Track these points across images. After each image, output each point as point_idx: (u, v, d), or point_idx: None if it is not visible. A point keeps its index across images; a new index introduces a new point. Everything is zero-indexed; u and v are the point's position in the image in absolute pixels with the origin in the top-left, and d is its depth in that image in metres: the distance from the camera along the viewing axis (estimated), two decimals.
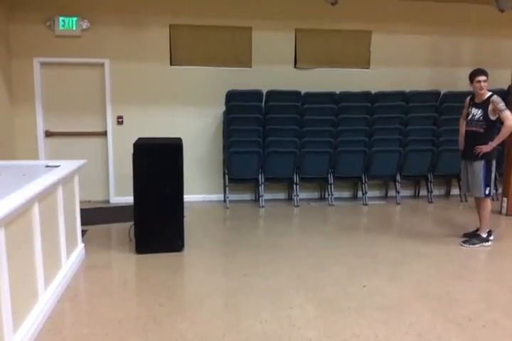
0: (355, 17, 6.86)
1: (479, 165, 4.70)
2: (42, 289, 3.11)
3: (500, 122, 4.65)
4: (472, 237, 4.84)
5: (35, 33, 6.23)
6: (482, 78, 4.66)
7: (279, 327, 3.05)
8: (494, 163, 4.74)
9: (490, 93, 4.71)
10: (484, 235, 4.81)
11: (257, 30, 6.71)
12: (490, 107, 4.63)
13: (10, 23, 6.14)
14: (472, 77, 4.73)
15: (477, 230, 4.90)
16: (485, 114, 4.66)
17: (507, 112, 4.57)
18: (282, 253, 4.51)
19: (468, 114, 4.85)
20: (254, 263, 4.24)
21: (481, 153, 4.66)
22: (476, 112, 4.74)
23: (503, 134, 4.62)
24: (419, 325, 3.09)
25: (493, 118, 4.64)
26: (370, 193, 6.73)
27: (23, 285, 2.80)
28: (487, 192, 4.72)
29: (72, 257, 3.99)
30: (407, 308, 3.34)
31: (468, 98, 4.97)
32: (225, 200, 6.56)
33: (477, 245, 4.75)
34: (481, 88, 4.67)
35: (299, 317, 3.19)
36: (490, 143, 4.63)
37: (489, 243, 4.80)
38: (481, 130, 4.69)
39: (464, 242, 4.80)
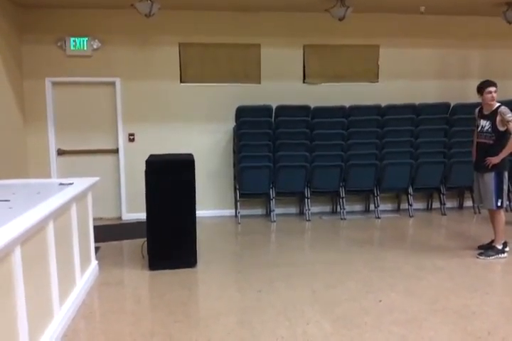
0: (363, 32, 6.91)
1: (490, 177, 4.67)
2: (57, 307, 3.11)
3: (509, 133, 4.62)
4: (487, 249, 4.78)
5: (47, 54, 6.33)
6: (493, 89, 4.66)
7: None
8: (506, 174, 4.70)
9: (498, 104, 4.69)
10: (500, 247, 4.75)
11: (265, 47, 6.78)
12: (498, 118, 4.61)
13: (22, 44, 6.26)
14: (482, 88, 4.72)
15: (492, 242, 4.84)
16: (493, 126, 4.64)
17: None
18: (296, 269, 4.48)
19: (477, 126, 4.83)
20: (268, 278, 4.21)
21: (490, 165, 4.63)
22: (485, 124, 4.72)
23: (510, 146, 4.58)
24: (438, 340, 3.04)
25: (502, 129, 4.61)
26: (382, 206, 6.69)
27: (38, 302, 2.80)
28: (499, 204, 4.67)
29: (86, 274, 3.99)
30: (425, 322, 3.29)
31: (476, 110, 4.95)
32: (236, 215, 6.55)
33: (493, 257, 4.69)
34: (493, 99, 4.66)
35: (315, 333, 3.15)
36: (499, 154, 4.60)
37: (505, 254, 4.73)
38: (491, 141, 4.67)
39: (479, 254, 4.74)
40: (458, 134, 6.76)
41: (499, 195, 4.66)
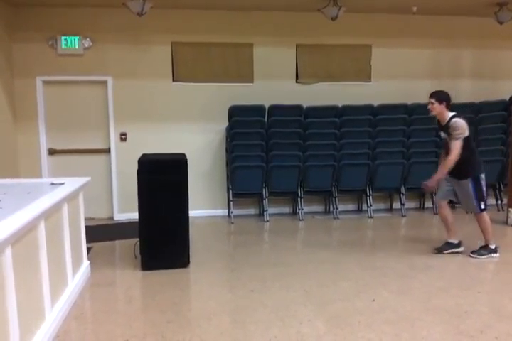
0: (355, 31, 6.92)
1: (467, 184, 4.65)
2: (49, 307, 3.08)
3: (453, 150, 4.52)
4: (480, 248, 4.80)
5: (38, 52, 6.29)
6: (429, 100, 4.66)
7: None
8: (482, 176, 4.65)
9: (452, 115, 4.61)
10: (493, 246, 4.77)
11: (258, 47, 6.77)
12: (449, 130, 4.56)
13: (12, 43, 6.21)
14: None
15: (484, 245, 4.85)
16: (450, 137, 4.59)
17: (457, 142, 4.49)
18: (289, 268, 4.48)
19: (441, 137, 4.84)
20: (261, 278, 4.20)
21: (432, 187, 4.72)
22: (444, 135, 4.71)
23: (445, 166, 4.56)
24: (431, 339, 3.05)
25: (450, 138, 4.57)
26: (374, 206, 6.70)
27: (30, 303, 2.77)
28: (482, 206, 4.67)
29: (78, 275, 3.96)
30: (418, 322, 3.30)
31: (437, 120, 4.83)
32: (229, 215, 6.54)
33: (485, 256, 4.72)
34: (429, 110, 4.68)
35: (308, 332, 3.14)
36: (433, 177, 4.62)
37: (497, 254, 4.76)
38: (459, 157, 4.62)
39: (472, 253, 4.76)
40: None
41: (479, 198, 4.65)
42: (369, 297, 3.74)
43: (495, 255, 4.75)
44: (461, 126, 4.51)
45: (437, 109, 4.63)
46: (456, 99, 6.99)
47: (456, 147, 4.49)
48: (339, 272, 4.35)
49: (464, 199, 4.78)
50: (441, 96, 4.64)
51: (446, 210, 4.87)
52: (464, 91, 7.28)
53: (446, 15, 7.04)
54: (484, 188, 4.70)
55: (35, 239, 2.92)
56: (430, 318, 3.35)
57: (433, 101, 4.64)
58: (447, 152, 4.64)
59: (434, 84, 7.20)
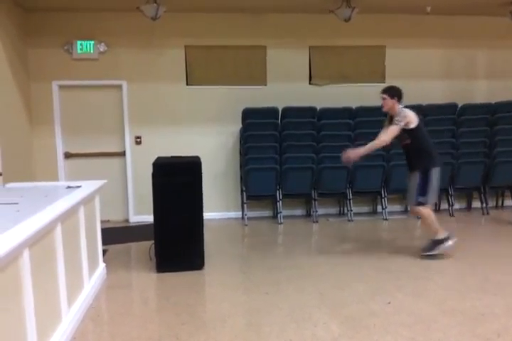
0: (369, 32, 6.90)
1: (415, 176, 4.62)
2: (65, 309, 3.12)
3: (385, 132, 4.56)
4: (429, 245, 4.70)
5: (54, 57, 6.38)
6: (381, 95, 4.66)
7: None
8: (434, 171, 4.57)
9: (401, 107, 4.60)
10: (441, 237, 4.65)
11: (271, 49, 6.79)
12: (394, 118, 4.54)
13: (29, 48, 6.30)
14: None
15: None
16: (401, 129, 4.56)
17: (394, 127, 4.47)
18: (303, 271, 4.47)
19: None
20: (275, 280, 4.20)
21: (351, 159, 4.68)
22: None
23: (372, 145, 4.57)
24: None
25: (410, 126, 4.52)
26: (389, 208, 6.66)
27: (47, 305, 2.81)
28: (419, 199, 4.59)
29: (94, 277, 4.00)
30: (434, 324, 3.27)
31: (388, 116, 4.80)
32: (243, 217, 6.56)
33: (436, 250, 4.63)
34: (382, 106, 4.68)
35: (323, 335, 3.13)
36: (358, 150, 4.59)
37: (450, 242, 4.64)
38: (408, 141, 4.62)
39: (423, 251, 4.69)
40: (465, 135, 6.73)
41: (422, 192, 4.58)
42: (384, 299, 3.72)
43: (448, 243, 4.63)
44: (406, 114, 4.50)
45: (389, 103, 4.63)
46: (471, 99, 7.01)
47: (389, 131, 4.49)
48: (354, 274, 4.33)
49: (408, 191, 4.73)
50: (392, 92, 4.65)
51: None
52: (479, 92, 7.22)
53: (460, 15, 6.99)
54: (434, 183, 4.59)
55: (52, 241, 2.96)
56: (446, 321, 3.32)
57: (385, 96, 4.64)
58: (406, 141, 4.61)
59: (449, 85, 7.18)
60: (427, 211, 4.66)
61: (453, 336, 3.09)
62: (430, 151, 4.66)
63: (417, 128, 4.57)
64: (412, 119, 4.53)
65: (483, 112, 6.95)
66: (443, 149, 6.61)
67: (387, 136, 4.53)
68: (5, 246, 2.17)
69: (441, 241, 4.67)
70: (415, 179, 4.64)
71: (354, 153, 4.62)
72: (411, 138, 4.59)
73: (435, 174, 4.59)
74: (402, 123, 4.48)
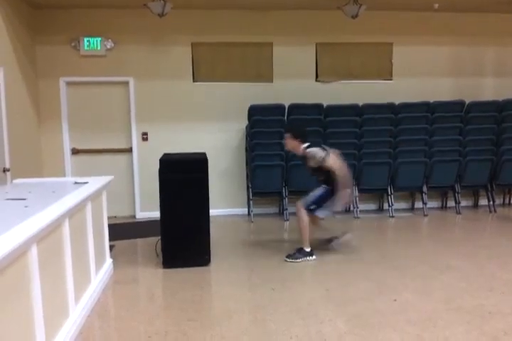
0: (376, 29, 6.87)
1: (325, 188, 4.64)
2: (72, 304, 3.14)
3: (332, 170, 4.52)
4: (296, 252, 4.71)
5: (61, 54, 6.40)
6: (285, 135, 4.70)
7: None
8: (343, 193, 4.57)
9: (304, 146, 4.60)
10: (307, 249, 4.69)
11: (278, 46, 6.78)
12: (310, 162, 4.60)
13: (36, 45, 6.33)
14: None
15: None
16: (309, 167, 4.65)
17: (329, 161, 4.49)
18: (309, 268, 4.47)
19: None
20: (282, 277, 4.21)
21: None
22: (303, 162, 4.75)
23: (341, 183, 4.50)
24: (453, 339, 3.01)
25: (316, 165, 4.58)
26: (396, 205, 6.65)
27: (54, 300, 2.83)
28: (311, 207, 4.63)
29: (101, 272, 4.02)
30: (440, 322, 3.26)
31: None
32: (249, 214, 6.56)
33: (300, 259, 4.64)
34: (285, 145, 4.73)
35: (329, 332, 3.14)
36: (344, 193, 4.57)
37: (313, 257, 4.67)
38: (321, 178, 4.66)
39: (287, 257, 4.69)
40: (473, 132, 6.70)
41: (318, 203, 4.63)
42: (390, 297, 3.72)
43: (310, 258, 4.66)
44: (315, 152, 4.54)
45: (291, 144, 4.70)
46: (478, 97, 6.97)
47: (333, 166, 4.48)
48: (360, 272, 4.33)
49: (309, 194, 4.72)
50: (296, 133, 4.68)
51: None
52: (487, 89, 7.19)
53: (468, 12, 6.95)
54: (336, 203, 4.62)
55: (59, 236, 2.98)
56: (452, 319, 3.31)
57: (288, 136, 4.69)
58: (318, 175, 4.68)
59: (457, 82, 7.15)
60: (306, 218, 4.68)
61: (459, 334, 3.08)
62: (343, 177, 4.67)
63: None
64: (322, 153, 4.57)
65: (490, 110, 6.91)
66: (450, 146, 6.61)
67: (336, 170, 4.50)
68: (13, 241, 2.18)
69: (305, 253, 4.68)
70: (322, 190, 4.67)
71: (345, 197, 4.63)
72: (321, 171, 4.61)
73: (343, 196, 4.60)
74: (325, 157, 4.51)
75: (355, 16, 6.18)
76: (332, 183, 4.56)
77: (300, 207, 4.70)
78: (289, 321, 3.31)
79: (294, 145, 4.68)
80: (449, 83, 7.15)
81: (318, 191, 4.70)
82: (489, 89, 7.20)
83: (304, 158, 4.67)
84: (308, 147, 4.60)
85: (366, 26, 6.76)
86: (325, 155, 4.53)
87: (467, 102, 6.91)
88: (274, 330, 3.17)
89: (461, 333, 3.09)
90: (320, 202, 4.66)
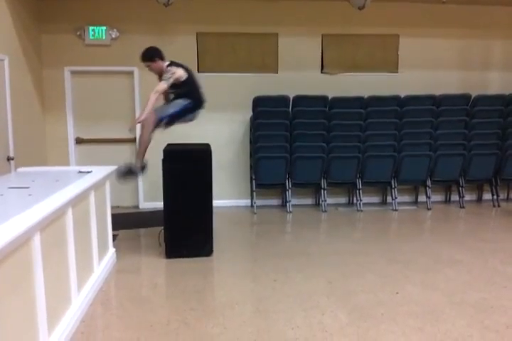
0: (383, 21, 6.81)
1: (180, 101, 4.48)
2: (75, 293, 3.15)
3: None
4: (129, 168, 4.44)
5: (66, 43, 6.37)
6: (144, 64, 4.47)
7: (311, 333, 3.01)
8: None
9: (167, 63, 4.44)
10: (138, 164, 4.47)
11: (283, 37, 6.72)
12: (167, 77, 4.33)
13: (41, 34, 6.30)
14: None
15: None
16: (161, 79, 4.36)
17: (162, 83, 4.28)
18: (312, 259, 4.47)
19: None
20: (284, 268, 4.21)
21: (138, 121, 4.37)
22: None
23: (147, 106, 4.28)
24: (455, 333, 3.01)
25: (180, 81, 4.39)
26: (399, 198, 6.63)
27: (57, 288, 2.84)
28: (165, 120, 4.42)
29: (104, 261, 4.03)
30: (442, 315, 3.26)
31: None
32: (252, 205, 6.57)
33: (128, 177, 4.42)
34: (153, 72, 4.50)
35: (331, 323, 3.14)
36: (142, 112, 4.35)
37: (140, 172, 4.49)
38: (181, 91, 4.47)
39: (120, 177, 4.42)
40: (478, 126, 6.66)
41: (173, 116, 4.47)
42: (393, 290, 3.72)
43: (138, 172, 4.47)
44: (174, 70, 4.34)
45: (157, 67, 4.43)
46: (485, 90, 6.92)
47: (158, 87, 4.28)
48: (363, 264, 4.33)
49: (162, 107, 4.55)
50: (152, 55, 4.44)
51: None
52: (493, 83, 7.13)
53: (476, 5, 6.87)
54: (183, 115, 4.51)
55: (62, 225, 2.98)
56: (455, 312, 3.31)
57: (148, 64, 4.45)
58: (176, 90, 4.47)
59: (463, 75, 7.09)
60: (151, 130, 4.41)
61: (461, 327, 3.09)
62: (198, 93, 4.58)
63: (188, 80, 4.46)
64: (180, 74, 4.38)
65: (496, 103, 6.86)
66: (455, 140, 6.57)
67: (155, 92, 4.28)
68: (16, 229, 2.19)
69: (134, 170, 4.43)
70: (184, 103, 4.48)
71: (141, 117, 4.35)
72: (183, 86, 4.45)
73: (191, 110, 4.52)
74: (172, 80, 4.31)
75: (361, 7, 6.13)
76: (192, 96, 4.46)
77: (152, 116, 4.37)
78: (291, 312, 3.32)
79: (159, 66, 4.43)
80: (455, 76, 7.09)
81: (179, 105, 4.49)
82: (496, 83, 7.14)
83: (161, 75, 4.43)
84: (170, 64, 4.44)
85: (373, 18, 6.70)
86: (181, 78, 4.39)
87: (473, 96, 6.85)
88: (276, 321, 3.18)
89: (463, 327, 3.09)
90: (175, 117, 4.50)
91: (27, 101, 5.87)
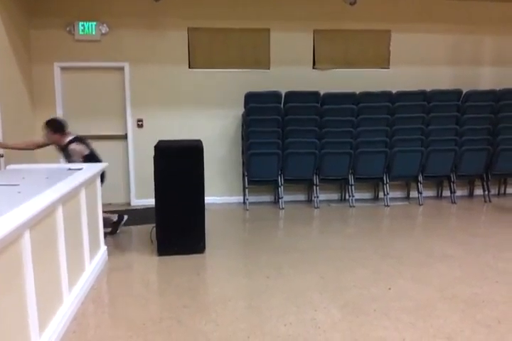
0: (374, 16, 6.81)
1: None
2: (66, 291, 3.13)
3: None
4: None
5: (56, 38, 6.30)
6: (45, 129, 4.77)
7: (304, 329, 3.01)
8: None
9: (69, 139, 4.79)
10: (115, 219, 5.19)
11: (275, 32, 6.70)
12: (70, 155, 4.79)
13: (30, 29, 6.23)
14: None
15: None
16: (71, 161, 4.78)
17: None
18: (304, 255, 4.47)
19: None
20: (277, 264, 4.21)
21: None
22: (64, 156, 4.92)
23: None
24: (447, 328, 3.02)
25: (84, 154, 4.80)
26: (391, 194, 6.66)
27: (48, 286, 2.81)
28: None
29: (95, 259, 4.01)
30: (434, 310, 3.27)
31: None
32: (244, 202, 6.55)
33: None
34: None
35: (323, 319, 3.14)
36: None
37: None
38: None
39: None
40: (469, 122, 6.69)
41: None
42: (385, 285, 3.73)
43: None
44: (78, 150, 4.75)
45: (53, 138, 4.81)
46: (476, 86, 6.94)
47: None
48: (355, 259, 4.33)
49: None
50: (55, 127, 4.79)
51: None
52: (485, 78, 7.16)
53: (468, 0, 6.88)
54: None
55: (53, 223, 2.95)
56: (447, 307, 3.33)
57: (48, 131, 4.78)
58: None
59: (455, 71, 7.11)
60: None
61: (454, 322, 3.10)
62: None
63: (90, 153, 4.86)
64: (83, 151, 4.78)
65: (488, 99, 6.89)
66: (446, 136, 6.59)
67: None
68: (6, 227, 2.16)
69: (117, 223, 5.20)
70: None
71: None
72: (86, 160, 4.81)
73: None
74: (80, 159, 4.75)
75: (353, 3, 6.13)
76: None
77: None
78: (284, 308, 3.31)
79: (56, 139, 4.80)
80: (446, 72, 7.11)
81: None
82: (487, 79, 7.17)
83: (65, 150, 4.81)
84: (72, 141, 4.78)
85: (364, 13, 6.70)
86: (84, 153, 4.79)
87: (464, 91, 6.88)
88: (269, 317, 3.18)
89: (455, 322, 3.10)
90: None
91: (16, 98, 5.81)
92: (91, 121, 6.54)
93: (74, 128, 6.49)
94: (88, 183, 3.80)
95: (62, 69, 6.40)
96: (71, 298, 3.21)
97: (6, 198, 2.84)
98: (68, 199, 3.24)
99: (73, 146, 4.74)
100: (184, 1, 6.41)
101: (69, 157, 4.81)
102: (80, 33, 6.28)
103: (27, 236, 2.44)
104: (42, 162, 6.15)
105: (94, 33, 6.30)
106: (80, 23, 6.26)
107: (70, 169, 4.01)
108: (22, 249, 2.41)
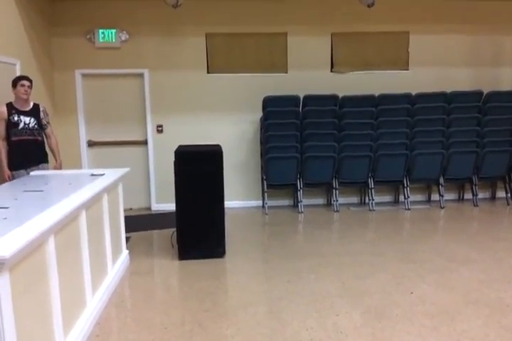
0: (392, 18, 6.77)
1: (47, 167, 4.87)
2: (90, 295, 3.17)
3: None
4: None
5: (77, 46, 6.41)
6: (27, 83, 4.62)
7: (326, 334, 3.00)
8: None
9: (33, 101, 4.75)
10: None
11: (292, 36, 6.71)
12: (41, 115, 4.74)
13: (52, 37, 6.35)
14: (16, 81, 4.61)
15: None
16: (39, 123, 4.72)
17: (51, 126, 4.86)
18: (325, 260, 4.45)
19: (15, 123, 4.58)
20: (297, 269, 4.20)
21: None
22: (29, 120, 4.65)
23: (59, 150, 4.98)
24: (472, 333, 2.98)
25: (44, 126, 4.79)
26: (412, 197, 6.58)
27: (72, 291, 2.85)
28: None
29: (118, 264, 4.05)
30: (458, 315, 3.23)
31: (3, 107, 4.59)
32: (263, 206, 6.56)
33: None
34: (25, 93, 4.61)
35: (345, 324, 3.13)
36: (59, 161, 5.00)
37: None
38: (39, 138, 4.76)
39: None
40: (491, 123, 6.59)
41: None
42: (407, 289, 3.69)
43: None
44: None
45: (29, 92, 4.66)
46: (497, 86, 6.85)
47: (53, 132, 4.88)
48: (376, 264, 4.30)
49: None
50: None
51: None
52: (506, 79, 7.05)
53: (486, 0, 6.79)
54: None
55: (76, 228, 3.00)
56: (470, 312, 3.28)
57: (30, 84, 4.66)
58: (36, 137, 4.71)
59: (475, 72, 7.02)
60: None
61: (478, 327, 3.05)
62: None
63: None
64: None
65: (509, 100, 6.79)
66: (467, 137, 6.51)
67: (55, 136, 5.00)
68: (31, 233, 2.20)
69: None
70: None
71: (61, 166, 5.04)
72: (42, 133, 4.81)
73: None
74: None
75: (371, 5, 6.10)
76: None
77: None
78: (305, 313, 3.31)
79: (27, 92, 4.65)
80: (467, 73, 7.02)
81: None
82: (508, 79, 7.05)
83: (35, 111, 4.74)
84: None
85: (382, 15, 6.66)
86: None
87: (485, 92, 6.78)
88: (290, 322, 3.17)
89: (479, 326, 3.06)
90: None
91: None
92: (112, 127, 6.63)
93: (95, 134, 6.62)
94: (110, 188, 3.85)
95: (84, 76, 6.51)
96: (94, 302, 3.25)
97: (30, 204, 2.90)
98: (91, 204, 3.29)
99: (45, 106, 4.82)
100: (201, 8, 6.47)
101: (39, 118, 4.77)
102: (100, 40, 6.38)
103: (51, 241, 2.49)
104: (65, 168, 6.25)
105: (114, 40, 6.40)
106: (100, 31, 6.36)
107: (92, 175, 4.07)
108: (47, 254, 2.45)
